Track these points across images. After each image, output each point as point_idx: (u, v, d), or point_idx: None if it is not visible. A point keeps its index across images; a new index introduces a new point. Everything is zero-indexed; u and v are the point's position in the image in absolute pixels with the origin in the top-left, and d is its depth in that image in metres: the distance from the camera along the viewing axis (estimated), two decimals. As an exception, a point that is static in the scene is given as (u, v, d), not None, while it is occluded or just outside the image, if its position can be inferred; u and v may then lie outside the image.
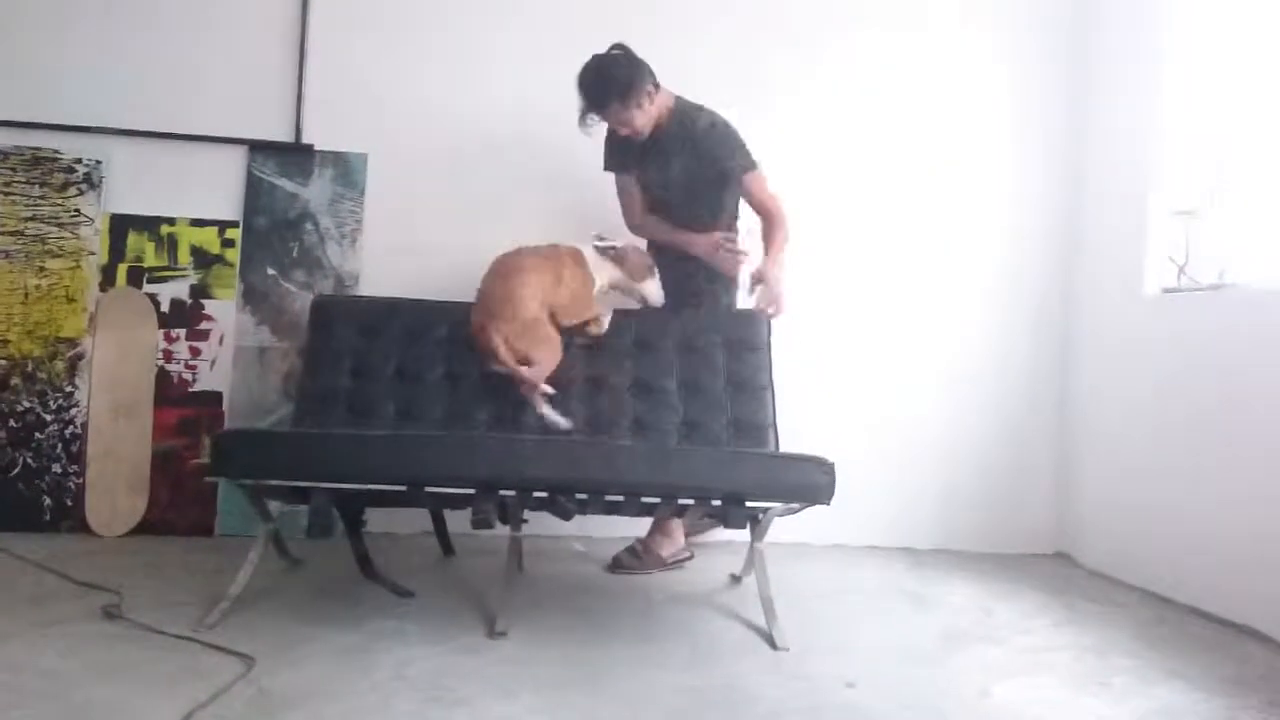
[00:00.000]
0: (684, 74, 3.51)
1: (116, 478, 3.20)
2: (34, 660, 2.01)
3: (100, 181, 3.29)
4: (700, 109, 3.01)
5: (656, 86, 2.91)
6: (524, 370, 2.74)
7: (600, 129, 3.00)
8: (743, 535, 2.58)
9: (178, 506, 3.23)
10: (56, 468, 3.20)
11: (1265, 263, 2.86)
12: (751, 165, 3.02)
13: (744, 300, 3.07)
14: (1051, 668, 2.31)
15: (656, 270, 3.02)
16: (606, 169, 3.12)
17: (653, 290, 3.02)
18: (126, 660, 2.03)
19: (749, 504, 2.40)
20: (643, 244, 3.14)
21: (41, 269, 3.24)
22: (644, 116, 2.91)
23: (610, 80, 2.87)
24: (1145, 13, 3.30)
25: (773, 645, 2.34)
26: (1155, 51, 3.24)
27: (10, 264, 3.23)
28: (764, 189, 3.04)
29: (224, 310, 3.33)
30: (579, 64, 3.38)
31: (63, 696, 1.84)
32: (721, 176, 3.02)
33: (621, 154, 3.07)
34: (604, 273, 2.96)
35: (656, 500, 2.44)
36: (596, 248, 2.96)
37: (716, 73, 3.51)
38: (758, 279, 2.93)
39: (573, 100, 3.44)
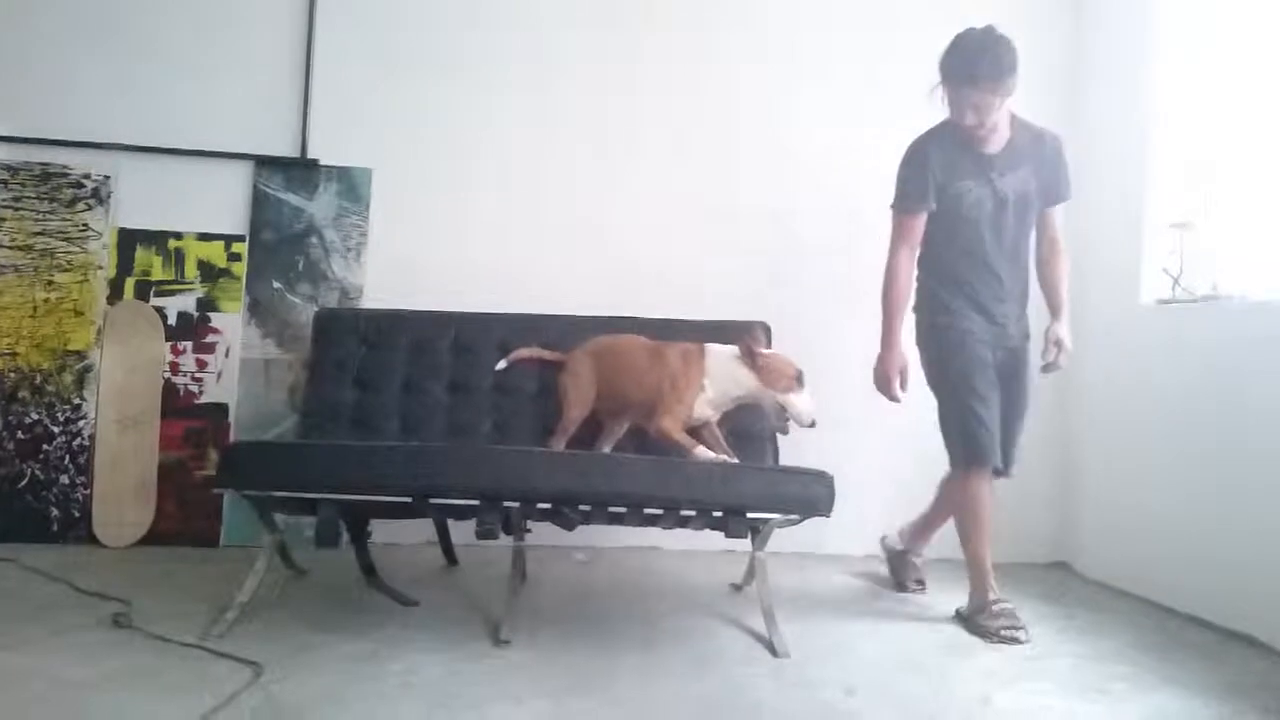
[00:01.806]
0: (690, 94, 3.59)
1: (124, 489, 3.23)
2: (45, 668, 2.03)
3: (108, 196, 3.33)
4: (1033, 124, 2.77)
5: (1015, 85, 2.62)
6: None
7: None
8: (744, 545, 2.61)
9: (184, 518, 3.26)
10: (64, 479, 3.22)
11: (1259, 274, 2.90)
12: (1069, 193, 2.78)
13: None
14: (1050, 675, 2.33)
15: (804, 381, 2.67)
16: (901, 208, 2.78)
17: (799, 405, 2.63)
18: (137, 668, 2.06)
19: (750, 515, 2.43)
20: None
21: (50, 282, 3.28)
22: (1000, 112, 2.63)
23: (1000, 54, 2.56)
24: (1139, 25, 3.34)
25: (774, 653, 2.37)
26: (1149, 64, 3.28)
27: (19, 278, 3.27)
28: (1060, 223, 2.82)
29: (230, 323, 3.37)
30: (581, 80, 3.45)
31: (74, 704, 1.87)
32: (1041, 202, 2.76)
33: (927, 185, 2.72)
34: (729, 379, 2.68)
35: (659, 512, 2.47)
36: (737, 354, 2.68)
37: (718, 81, 3.57)
38: (1055, 342, 2.71)
39: (575, 113, 3.53)
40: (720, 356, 2.71)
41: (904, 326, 2.79)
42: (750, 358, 2.68)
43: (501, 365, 2.99)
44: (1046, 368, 2.74)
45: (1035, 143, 2.73)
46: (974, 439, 2.68)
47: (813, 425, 2.65)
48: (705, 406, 2.70)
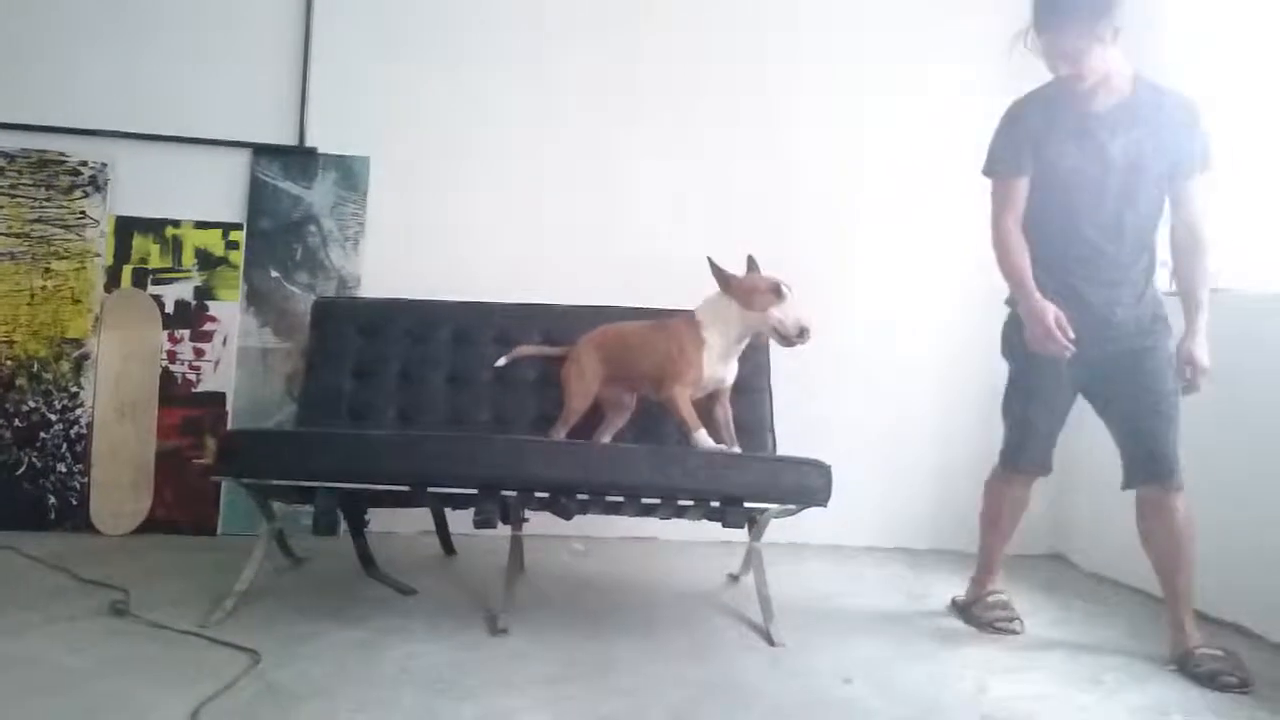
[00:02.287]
0: (690, 83, 3.58)
1: (121, 477, 3.23)
2: (44, 655, 2.04)
3: (106, 184, 3.32)
4: (1161, 85, 2.43)
5: (1118, 35, 2.30)
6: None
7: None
8: (741, 536, 2.62)
9: (182, 506, 3.26)
10: (62, 467, 3.22)
11: (1258, 268, 2.90)
12: (1206, 165, 2.37)
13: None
14: (1046, 665, 2.35)
15: (785, 290, 2.54)
16: (991, 172, 2.52)
17: (782, 316, 2.52)
18: (135, 655, 2.07)
19: (747, 505, 2.44)
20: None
21: (47, 270, 3.27)
22: (1098, 57, 2.29)
23: None
24: (1140, 22, 3.33)
25: (770, 642, 2.38)
26: (1149, 57, 3.27)
27: (16, 265, 3.26)
28: (1203, 204, 2.39)
29: (228, 311, 3.36)
30: (581, 68, 3.44)
31: (74, 691, 1.87)
32: (1167, 173, 2.38)
33: (1020, 147, 2.45)
34: (722, 322, 2.59)
35: (656, 501, 2.48)
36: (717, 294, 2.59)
37: (717, 75, 3.57)
38: (1188, 361, 2.38)
39: (575, 102, 3.53)
40: (708, 306, 2.63)
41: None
42: (724, 281, 2.59)
43: (502, 361, 2.98)
44: (1185, 389, 2.40)
45: (1157, 102, 2.37)
46: (1009, 436, 2.61)
47: (803, 335, 2.51)
48: (716, 363, 2.60)
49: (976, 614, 2.65)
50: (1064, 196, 2.43)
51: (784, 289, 2.55)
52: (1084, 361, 2.40)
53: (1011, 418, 2.60)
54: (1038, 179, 2.45)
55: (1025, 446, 2.57)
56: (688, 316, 2.67)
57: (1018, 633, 2.57)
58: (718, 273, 2.61)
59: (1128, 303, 2.42)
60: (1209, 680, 2.21)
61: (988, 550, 2.72)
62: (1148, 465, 2.39)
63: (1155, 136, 2.36)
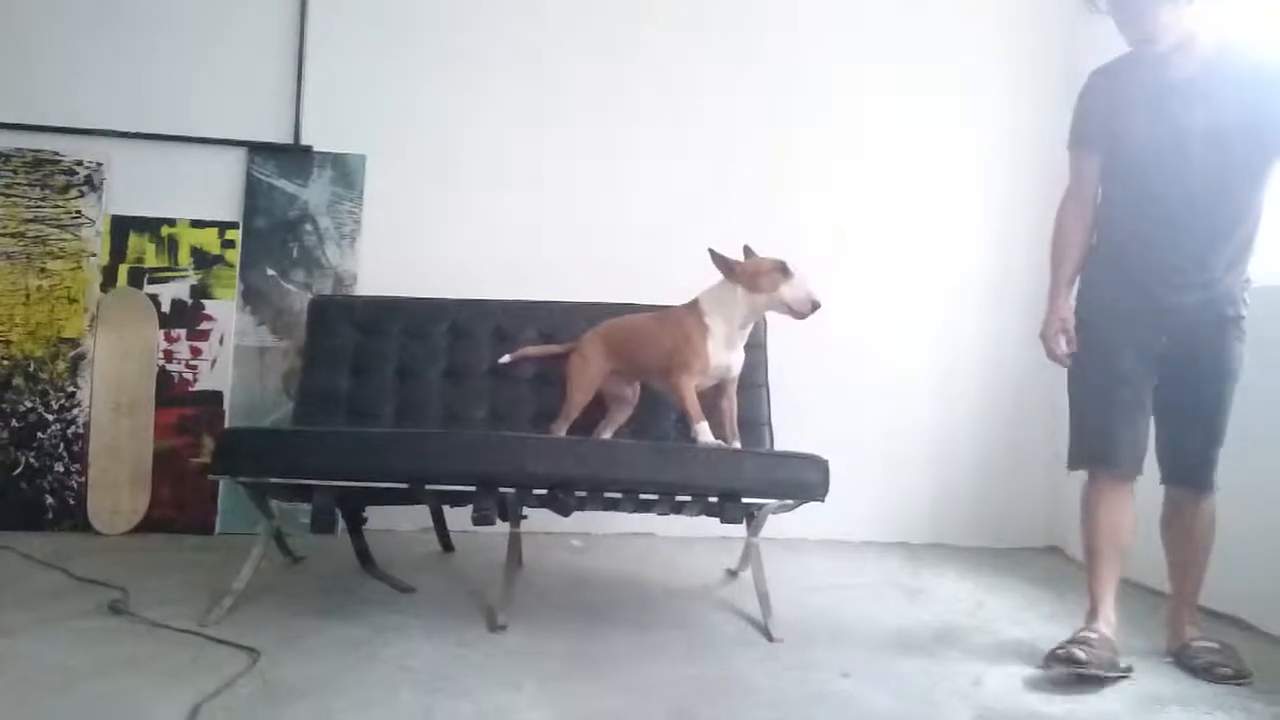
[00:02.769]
0: (687, 80, 3.58)
1: (118, 477, 3.23)
2: (43, 655, 2.04)
3: (101, 183, 3.31)
4: (1258, 46, 2.21)
5: None
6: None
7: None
8: (739, 531, 2.62)
9: (179, 505, 3.26)
10: (59, 467, 3.22)
11: (1258, 258, 2.89)
12: None
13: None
14: (1043, 657, 2.34)
15: (791, 268, 2.54)
16: (1069, 146, 2.38)
17: (792, 293, 2.53)
18: (134, 654, 2.07)
19: (745, 500, 2.44)
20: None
21: (43, 270, 3.27)
22: (1172, 16, 2.12)
23: None
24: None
25: (769, 637, 2.38)
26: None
27: (12, 265, 3.26)
28: None
29: (224, 310, 3.36)
30: (577, 65, 3.43)
31: (72, 690, 1.87)
32: (1260, 146, 2.13)
33: (1086, 121, 2.33)
34: (726, 308, 2.60)
35: (655, 497, 2.48)
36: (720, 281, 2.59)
37: (715, 74, 3.57)
38: None
39: (572, 99, 3.53)
40: (710, 293, 2.64)
41: (1071, 282, 2.39)
42: (727, 268, 2.59)
43: (506, 359, 2.98)
44: None
45: (1251, 66, 2.16)
46: (1076, 435, 2.36)
47: (817, 308, 2.52)
48: (722, 350, 2.60)
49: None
50: (1134, 174, 2.25)
51: (789, 266, 2.56)
52: (1140, 351, 2.26)
53: (1077, 413, 2.38)
54: (1110, 156, 2.29)
55: (1103, 444, 2.32)
56: (690, 305, 2.67)
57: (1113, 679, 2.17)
58: (720, 260, 2.62)
59: (1197, 293, 2.20)
60: (1205, 672, 2.20)
61: (1090, 571, 2.40)
62: (1186, 472, 2.28)
63: (1245, 105, 2.12)
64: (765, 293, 2.56)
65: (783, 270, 2.56)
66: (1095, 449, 2.33)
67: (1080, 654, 2.14)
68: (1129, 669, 2.21)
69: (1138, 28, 2.17)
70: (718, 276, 2.65)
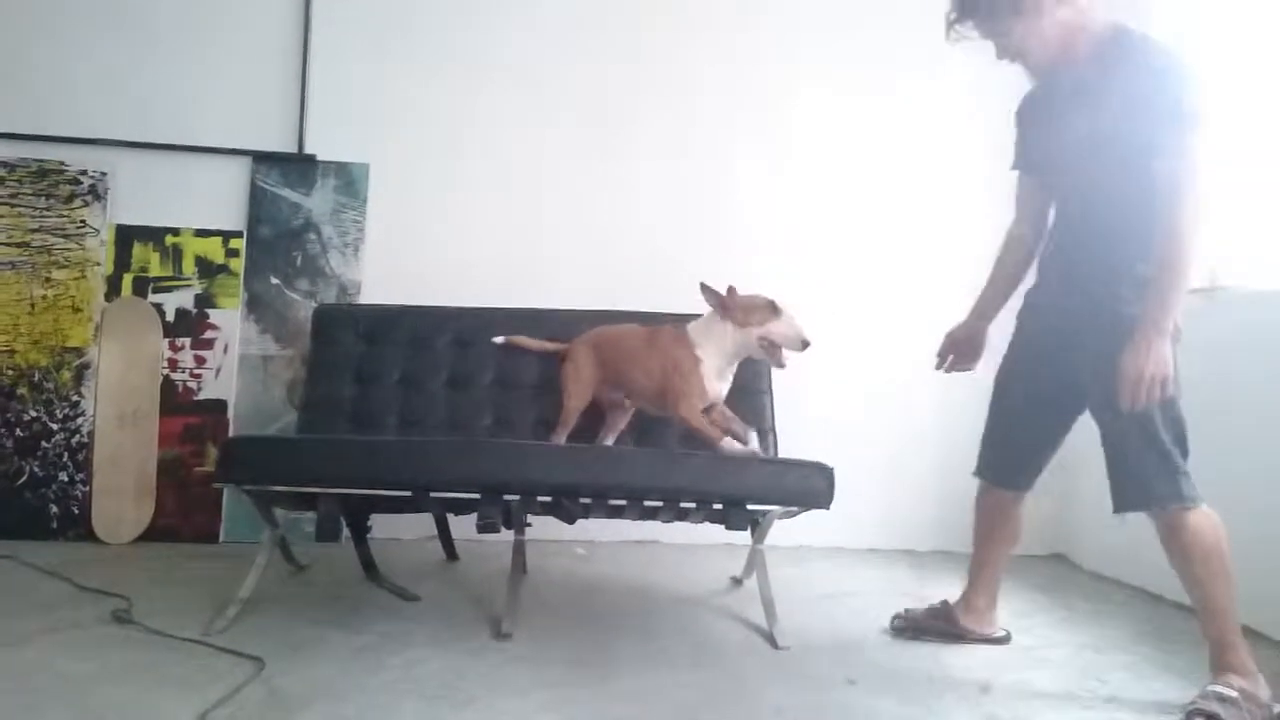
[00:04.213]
0: (688, 87, 3.59)
1: (123, 486, 3.23)
2: (48, 664, 2.04)
3: (105, 193, 3.32)
4: (1142, 35, 2.06)
5: None
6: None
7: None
8: (743, 539, 2.62)
9: (183, 514, 3.26)
10: (63, 476, 3.22)
11: (1257, 264, 2.90)
12: (1180, 116, 1.96)
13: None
14: (1049, 664, 2.35)
15: (780, 306, 2.55)
16: (1013, 166, 2.38)
17: (783, 330, 2.54)
18: (139, 663, 2.06)
19: (749, 507, 2.44)
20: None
21: (48, 279, 3.27)
22: (1027, 33, 2.06)
23: None
24: (1133, 14, 3.34)
25: (774, 644, 2.38)
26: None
27: (17, 275, 3.26)
28: (1180, 159, 1.95)
29: (228, 319, 3.36)
30: (579, 74, 3.42)
31: (78, 699, 1.87)
32: (1142, 151, 2.00)
33: (1021, 138, 2.31)
34: (717, 342, 2.60)
35: (659, 504, 2.48)
36: (709, 315, 2.60)
37: (715, 77, 3.58)
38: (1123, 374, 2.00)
39: (574, 107, 3.54)
40: (700, 326, 2.64)
41: (986, 307, 2.45)
42: (720, 305, 2.59)
43: (499, 340, 3.00)
44: (1126, 404, 2.02)
45: (1123, 56, 2.04)
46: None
47: (807, 346, 2.54)
48: (713, 381, 2.61)
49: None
50: (1050, 187, 2.29)
51: (778, 304, 2.57)
52: (1054, 369, 2.21)
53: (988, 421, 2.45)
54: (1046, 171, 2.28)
55: (988, 455, 2.43)
56: (679, 333, 2.67)
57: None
58: (712, 295, 2.62)
59: (1101, 298, 2.10)
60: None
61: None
62: (1124, 493, 2.11)
63: (1117, 106, 2.03)
64: (755, 327, 2.55)
65: (772, 308, 2.56)
66: (980, 457, 2.45)
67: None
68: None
69: (1004, 50, 2.15)
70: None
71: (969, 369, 2.50)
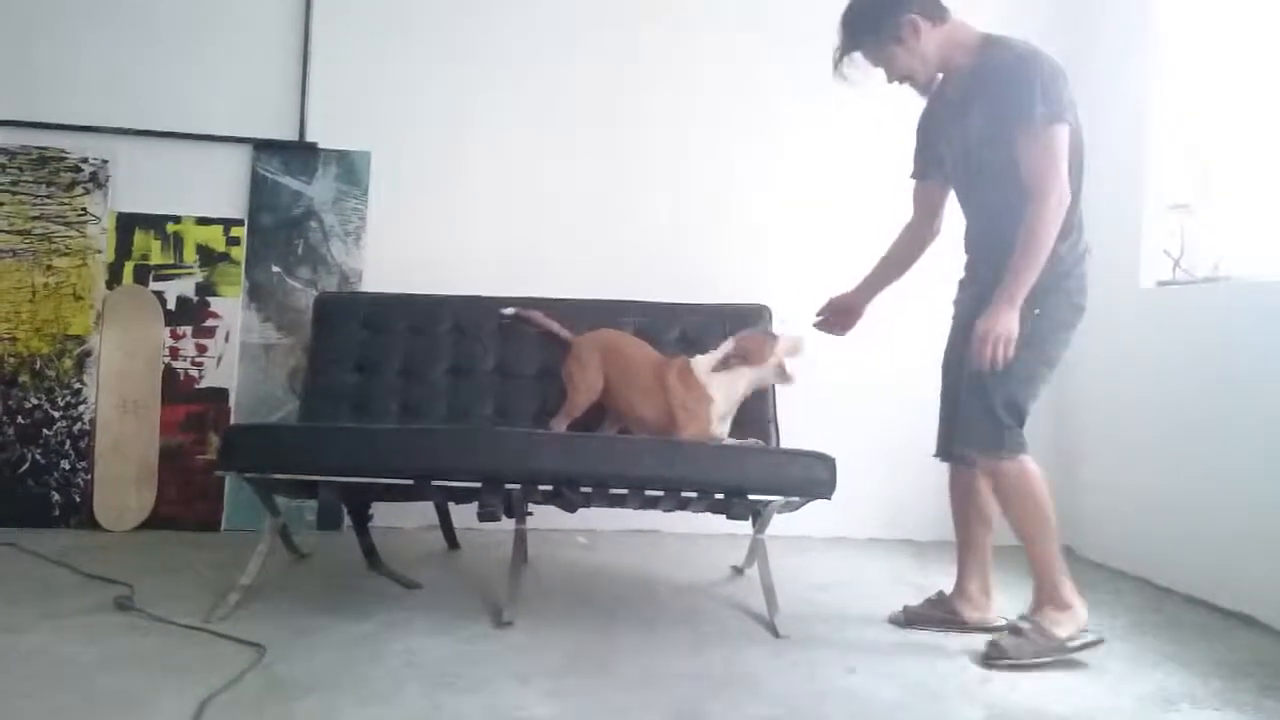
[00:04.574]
0: (687, 78, 3.58)
1: (124, 474, 3.23)
2: (50, 650, 2.04)
3: (106, 180, 3.32)
4: (1008, 44, 2.25)
5: (935, 19, 2.26)
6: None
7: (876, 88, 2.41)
8: (744, 529, 2.61)
9: (185, 502, 3.26)
10: (65, 464, 3.23)
11: (1259, 255, 2.90)
12: (1027, 115, 2.14)
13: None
14: (1050, 654, 2.34)
15: (780, 341, 2.71)
16: (911, 174, 2.60)
17: (783, 360, 2.70)
18: (141, 650, 2.07)
19: (751, 497, 2.43)
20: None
21: (49, 267, 3.27)
22: (909, 56, 2.29)
23: (859, 11, 2.32)
24: (1138, 7, 3.33)
25: (775, 633, 2.38)
26: (1148, 45, 3.27)
27: (18, 262, 3.26)
28: (1036, 153, 2.15)
29: (230, 307, 3.36)
30: (580, 63, 3.41)
31: (80, 685, 1.87)
32: (1011, 153, 2.19)
33: (920, 149, 2.51)
34: (727, 384, 2.70)
35: (660, 493, 2.48)
36: (718, 360, 2.70)
37: (718, 79, 3.57)
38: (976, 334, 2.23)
39: (575, 95, 3.52)
40: (715, 371, 2.70)
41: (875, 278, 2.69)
42: (739, 354, 2.69)
43: (508, 311, 3.00)
44: (980, 364, 2.23)
45: (986, 66, 2.25)
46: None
47: (797, 354, 2.72)
48: (716, 422, 2.69)
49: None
50: (945, 191, 2.51)
51: (773, 330, 2.81)
52: (953, 345, 2.51)
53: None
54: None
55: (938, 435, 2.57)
56: (685, 370, 2.71)
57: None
58: (721, 356, 2.70)
59: (982, 286, 2.33)
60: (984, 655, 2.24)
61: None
62: (951, 438, 2.42)
63: (989, 103, 2.23)
64: (770, 362, 2.69)
65: (771, 335, 2.78)
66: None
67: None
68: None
69: (893, 75, 2.36)
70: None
71: (839, 335, 2.71)
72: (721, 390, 2.69)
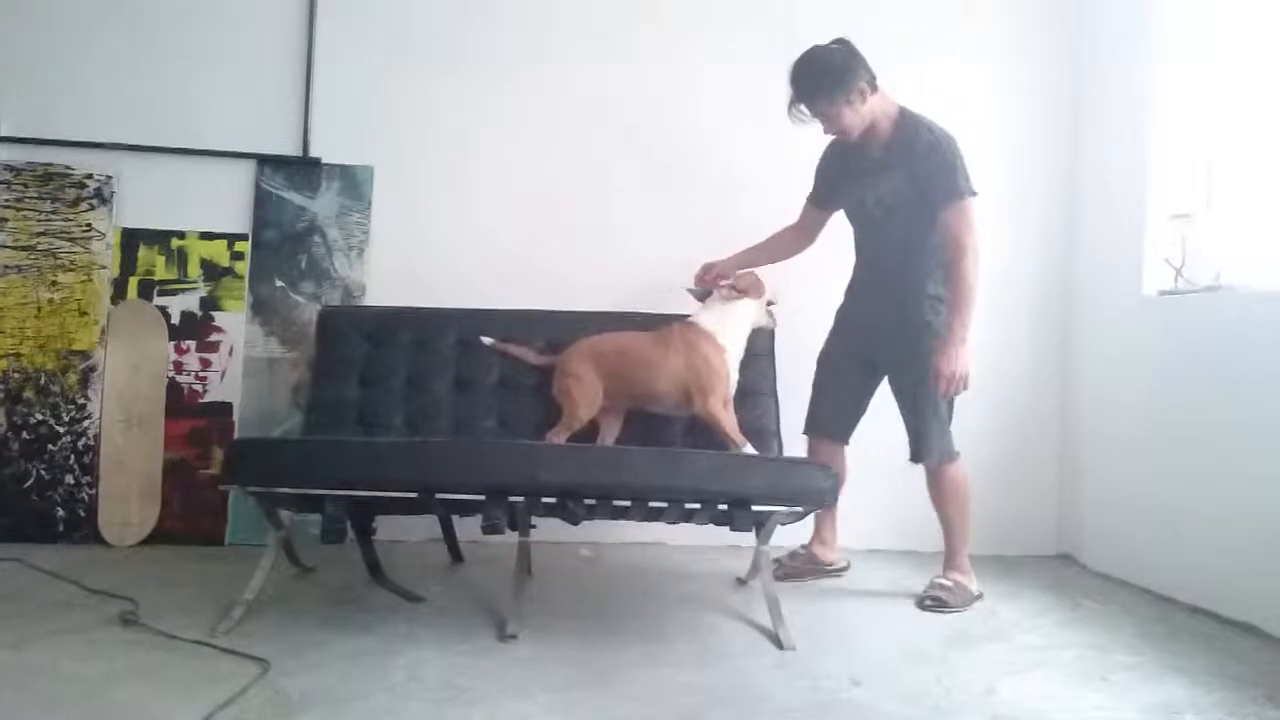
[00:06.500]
0: (689, 80, 3.59)
1: (129, 488, 3.24)
2: (54, 665, 2.05)
3: (111, 196, 3.33)
4: (927, 125, 2.75)
5: (874, 88, 2.72)
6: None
7: (811, 130, 2.81)
8: (748, 540, 2.61)
9: (189, 516, 3.26)
10: (69, 479, 3.23)
11: (1261, 265, 2.90)
12: (956, 192, 2.69)
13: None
14: (1055, 665, 2.34)
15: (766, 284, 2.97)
16: (809, 200, 3.03)
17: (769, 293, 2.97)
18: (145, 665, 2.07)
19: (754, 508, 2.43)
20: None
21: (54, 283, 3.29)
22: (854, 116, 2.71)
23: (821, 71, 2.69)
24: (1141, 16, 3.34)
25: (779, 645, 2.38)
26: (1150, 54, 3.28)
27: (23, 278, 3.28)
28: (960, 221, 2.69)
29: (233, 322, 3.37)
30: (584, 78, 3.43)
31: (84, 700, 1.88)
32: (928, 207, 2.73)
33: (829, 185, 2.97)
34: (735, 321, 2.88)
35: (663, 505, 2.48)
36: (722, 299, 2.88)
37: (719, 81, 3.58)
38: (935, 373, 2.71)
39: (578, 110, 3.54)
40: (714, 316, 2.85)
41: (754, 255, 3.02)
42: (737, 288, 2.89)
43: (488, 341, 3.04)
44: (944, 394, 2.77)
45: (910, 143, 2.73)
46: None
47: (774, 303, 3.00)
48: (737, 368, 2.84)
49: None
50: (856, 230, 2.95)
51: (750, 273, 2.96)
52: (867, 354, 2.93)
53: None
54: (847, 212, 2.96)
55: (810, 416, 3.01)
56: (693, 327, 2.73)
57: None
58: (731, 288, 2.89)
59: (898, 314, 2.81)
60: (921, 601, 2.79)
61: None
62: (919, 447, 2.85)
63: (910, 176, 2.73)
64: (763, 298, 2.94)
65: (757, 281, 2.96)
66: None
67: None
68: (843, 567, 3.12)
69: (833, 129, 2.77)
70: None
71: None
72: (729, 336, 2.83)
